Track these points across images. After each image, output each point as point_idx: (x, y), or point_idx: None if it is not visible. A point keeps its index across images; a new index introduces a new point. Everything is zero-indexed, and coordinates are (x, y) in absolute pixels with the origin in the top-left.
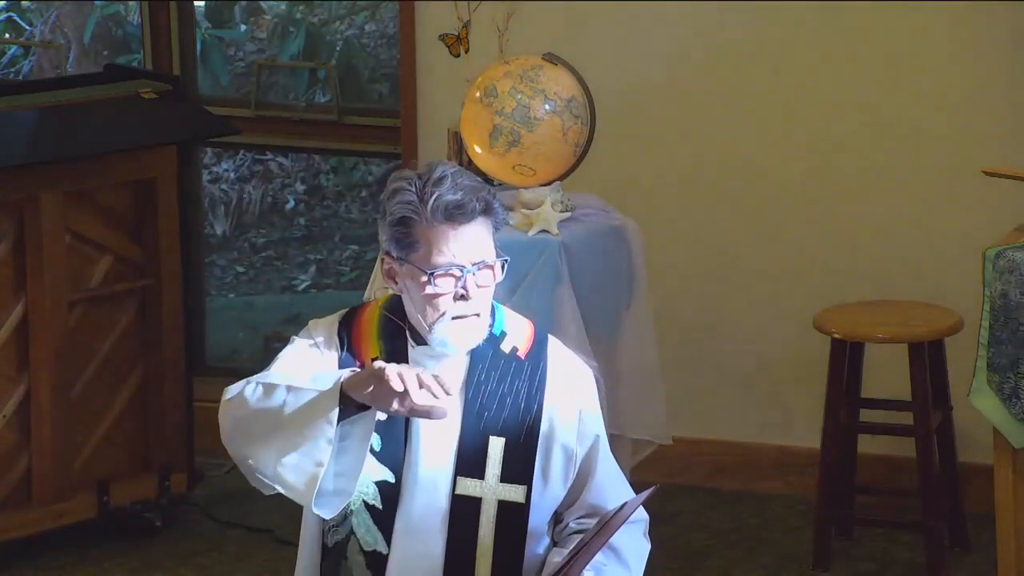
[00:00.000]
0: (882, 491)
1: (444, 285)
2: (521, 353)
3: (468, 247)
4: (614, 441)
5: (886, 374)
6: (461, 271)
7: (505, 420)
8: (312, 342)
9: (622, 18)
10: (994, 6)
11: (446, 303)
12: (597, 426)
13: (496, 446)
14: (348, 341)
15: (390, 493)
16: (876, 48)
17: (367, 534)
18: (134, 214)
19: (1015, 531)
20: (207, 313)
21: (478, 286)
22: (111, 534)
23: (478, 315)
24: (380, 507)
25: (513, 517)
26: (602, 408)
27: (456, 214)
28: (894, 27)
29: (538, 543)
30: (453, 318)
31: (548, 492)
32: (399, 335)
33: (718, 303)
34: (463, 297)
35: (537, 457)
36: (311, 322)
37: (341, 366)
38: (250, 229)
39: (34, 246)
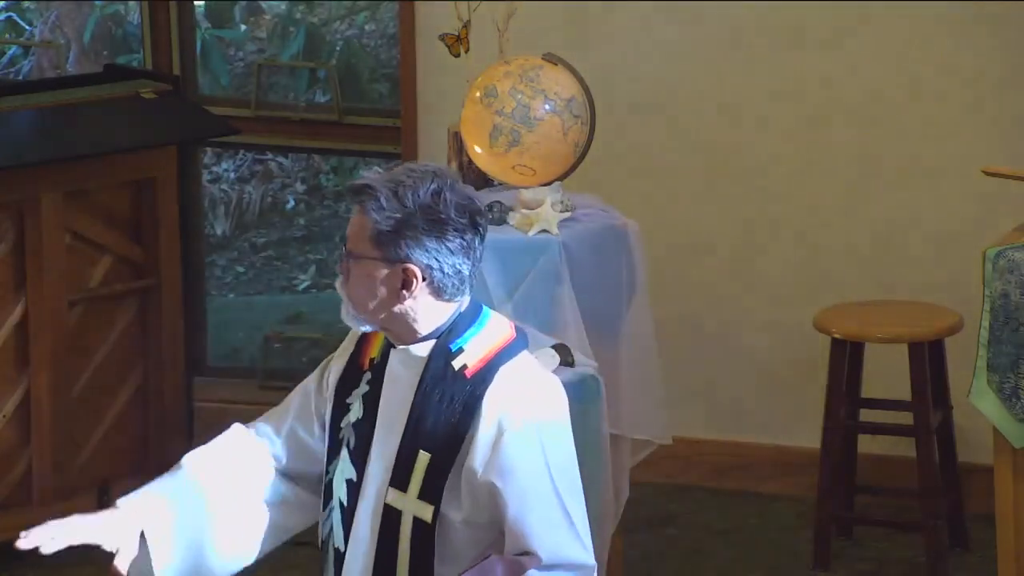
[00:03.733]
0: (882, 491)
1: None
2: (468, 372)
3: (350, 230)
4: (614, 441)
5: (886, 374)
6: (342, 248)
7: (435, 437)
8: (323, 364)
9: (622, 18)
10: (995, 6)
11: None
12: (515, 467)
13: (422, 461)
14: (361, 343)
15: (353, 492)
16: (877, 48)
17: (336, 530)
18: (134, 214)
19: (1015, 531)
20: (207, 313)
21: (346, 270)
22: None
23: (344, 301)
24: (346, 505)
25: (423, 535)
26: (602, 410)
27: (347, 193)
28: (895, 27)
29: (459, 566)
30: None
31: (461, 516)
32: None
33: (718, 303)
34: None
35: (448, 479)
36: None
37: (345, 367)
38: (250, 229)
39: (34, 246)
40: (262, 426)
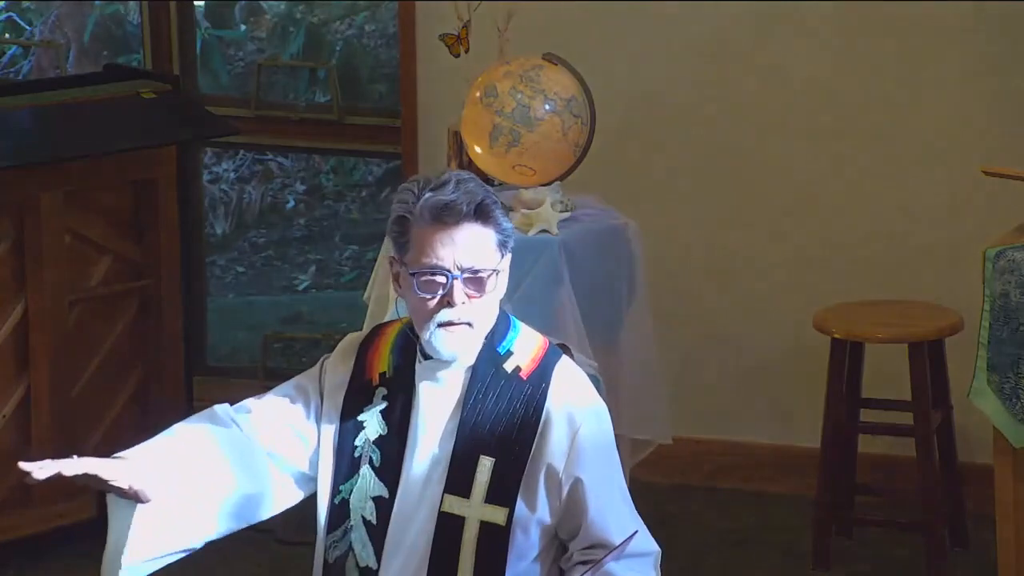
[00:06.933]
0: (882, 491)
1: (430, 287)
2: (523, 374)
3: (457, 250)
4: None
5: (886, 374)
6: (447, 275)
7: (497, 440)
8: (315, 370)
9: (622, 18)
10: (995, 5)
11: (434, 307)
12: (593, 461)
13: (485, 466)
14: (362, 357)
15: (384, 508)
16: (876, 48)
17: (363, 550)
18: (134, 214)
19: (1015, 531)
20: (207, 313)
21: (467, 294)
22: None
23: (470, 325)
24: (375, 522)
25: (494, 539)
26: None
27: (443, 214)
28: (895, 27)
29: (524, 567)
30: (440, 324)
31: (535, 517)
32: (410, 349)
33: (718, 303)
34: (448, 303)
35: (523, 481)
36: (346, 336)
37: (349, 383)
38: (250, 229)
39: (34, 246)
40: (252, 415)
